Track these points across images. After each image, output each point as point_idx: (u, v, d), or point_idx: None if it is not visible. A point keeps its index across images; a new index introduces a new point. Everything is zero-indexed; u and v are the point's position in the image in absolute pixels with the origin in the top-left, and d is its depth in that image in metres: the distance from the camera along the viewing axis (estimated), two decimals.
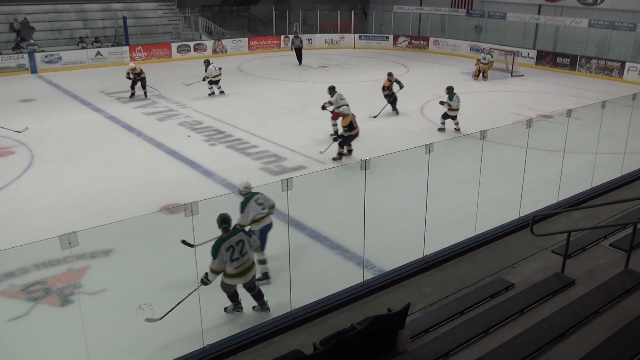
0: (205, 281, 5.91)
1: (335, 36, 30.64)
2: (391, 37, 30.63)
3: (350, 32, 30.91)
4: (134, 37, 25.85)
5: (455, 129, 14.24)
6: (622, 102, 10.80)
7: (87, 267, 7.50)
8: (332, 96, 13.56)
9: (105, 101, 17.65)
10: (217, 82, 18.38)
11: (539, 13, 27.36)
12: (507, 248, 7.37)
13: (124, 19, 25.62)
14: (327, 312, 5.96)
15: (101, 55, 23.93)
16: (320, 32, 30.92)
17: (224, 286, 6.27)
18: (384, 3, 32.78)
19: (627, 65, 22.38)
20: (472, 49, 27.79)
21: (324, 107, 13.61)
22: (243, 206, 7.03)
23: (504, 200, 9.39)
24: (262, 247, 7.04)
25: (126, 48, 24.66)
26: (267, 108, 17.16)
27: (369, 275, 6.77)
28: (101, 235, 7.03)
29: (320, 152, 12.05)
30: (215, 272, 6.01)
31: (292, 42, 25.87)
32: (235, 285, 6.29)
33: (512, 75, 22.89)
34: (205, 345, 5.35)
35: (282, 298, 6.13)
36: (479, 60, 22.34)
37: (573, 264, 6.44)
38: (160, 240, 7.63)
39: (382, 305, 5.83)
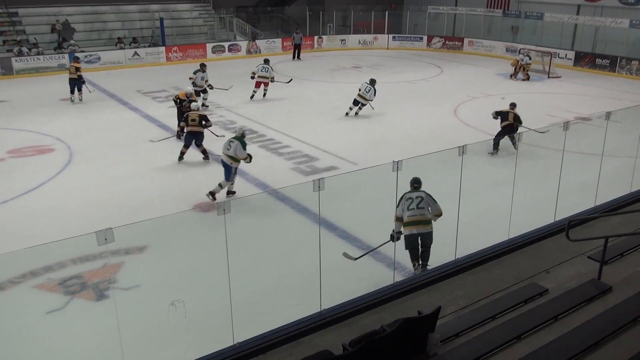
0: (392, 234, 7.17)
1: (368, 37, 30.57)
2: (425, 37, 30.39)
3: (383, 33, 30.80)
4: (170, 37, 26.31)
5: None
6: None
7: (121, 263, 7.66)
8: None
9: (142, 100, 18.01)
10: (201, 92, 16.54)
11: (577, 13, 26.75)
12: (542, 253, 7.23)
13: (161, 19, 26.11)
14: (357, 313, 5.94)
15: (138, 55, 24.42)
16: (354, 33, 30.90)
17: (405, 240, 7.27)
18: (418, 3, 32.55)
19: None
20: (507, 50, 27.36)
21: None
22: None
23: (539, 204, 9.21)
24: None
25: (162, 48, 25.13)
26: (300, 108, 17.23)
27: (399, 277, 6.73)
28: (136, 232, 7.15)
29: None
30: (396, 219, 7.26)
31: (293, 38, 26.78)
32: (415, 239, 7.23)
33: (548, 77, 22.44)
34: (235, 343, 5.40)
35: (312, 298, 6.15)
36: (518, 62, 21.99)
37: (610, 270, 6.27)
38: (193, 238, 7.74)
39: (412, 308, 5.78)
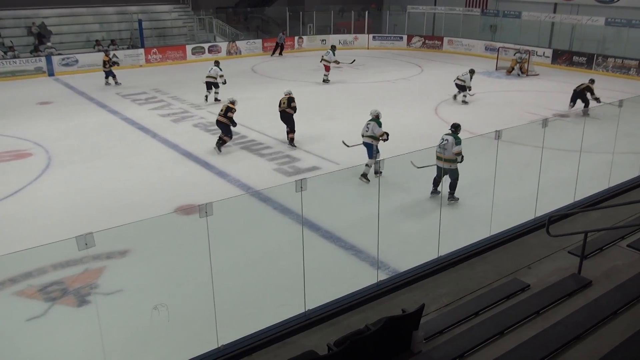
0: None
1: (349, 37, 30.63)
2: (405, 37, 30.54)
3: (364, 33, 30.88)
4: (149, 39, 26.10)
5: None
6: None
7: (103, 267, 7.57)
8: None
9: (121, 103, 17.83)
10: (212, 86, 17.80)
11: (554, 12, 27.11)
12: (523, 249, 7.31)
13: (140, 21, 25.87)
14: (341, 312, 5.95)
15: (117, 57, 24.11)
16: (334, 33, 30.93)
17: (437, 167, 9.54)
18: (397, 3, 32.69)
19: None
20: (486, 49, 27.62)
21: None
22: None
23: (520, 201, 9.31)
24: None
25: (141, 50, 24.89)
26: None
27: (383, 276, 6.75)
28: (117, 236, 7.08)
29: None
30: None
31: (279, 37, 27.90)
32: (439, 170, 9.54)
33: (527, 75, 22.70)
34: (219, 346, 5.37)
35: (296, 299, 6.14)
36: (516, 61, 22.75)
37: (590, 264, 6.36)
38: (176, 240, 7.68)
39: (396, 306, 5.80)
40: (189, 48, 26.10)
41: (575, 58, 24.54)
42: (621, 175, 9.61)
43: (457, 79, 18.09)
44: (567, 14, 26.30)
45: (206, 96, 17.93)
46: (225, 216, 5.90)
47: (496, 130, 7.69)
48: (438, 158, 9.54)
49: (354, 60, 21.15)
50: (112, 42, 25.17)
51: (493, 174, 8.03)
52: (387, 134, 11.02)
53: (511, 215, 8.27)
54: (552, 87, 20.37)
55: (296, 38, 29.45)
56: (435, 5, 31.91)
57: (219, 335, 5.41)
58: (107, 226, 5.09)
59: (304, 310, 5.89)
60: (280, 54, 28.00)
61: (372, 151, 11.01)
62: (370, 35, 30.84)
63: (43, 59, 22.49)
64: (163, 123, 15.44)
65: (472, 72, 18.09)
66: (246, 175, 11.27)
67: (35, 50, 23.30)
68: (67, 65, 22.85)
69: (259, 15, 32.89)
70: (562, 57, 24.92)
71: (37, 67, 22.32)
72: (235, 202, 7.57)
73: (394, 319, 4.65)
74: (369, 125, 11.12)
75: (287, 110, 13.44)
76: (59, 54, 23.16)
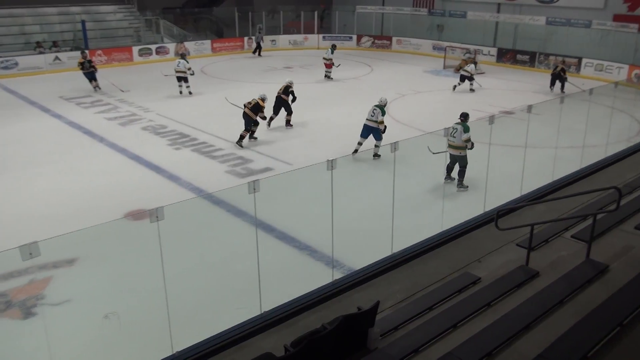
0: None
1: (299, 37, 30.64)
2: (354, 37, 30.80)
3: (313, 33, 30.96)
4: (94, 40, 25.36)
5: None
6: (580, 97, 11.12)
7: (50, 277, 7.31)
8: None
9: (65, 107, 17.24)
10: (182, 80, 18.66)
11: (498, 11, 27.92)
12: (473, 243, 7.49)
13: (83, 22, 25.10)
14: (298, 313, 5.94)
15: (59, 60, 23.36)
16: (284, 33, 30.89)
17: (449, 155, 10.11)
18: (346, 3, 32.94)
19: (584, 61, 23.04)
20: (434, 48, 28.18)
21: None
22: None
23: (469, 196, 9.55)
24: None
25: (85, 52, 24.10)
26: (232, 111, 17.00)
27: (338, 275, 6.78)
28: (64, 244, 6.84)
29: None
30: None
31: (256, 37, 28.10)
32: (451, 157, 10.12)
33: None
34: (174, 352, 5.27)
35: (252, 301, 6.09)
36: (465, 61, 23.14)
37: (537, 256, 6.57)
38: (126, 247, 7.49)
39: (352, 304, 5.84)
40: (135, 49, 25.51)
41: (519, 56, 25.35)
42: (564, 169, 9.98)
43: (463, 70, 19.92)
44: (510, 14, 27.15)
45: (180, 91, 18.78)
46: (177, 220, 5.80)
47: (445, 128, 7.85)
48: (449, 146, 10.11)
49: (339, 64, 21.97)
50: (54, 43, 24.34)
51: (442, 170, 8.21)
52: (385, 126, 12.12)
53: (461, 210, 8.46)
54: (498, 85, 20.96)
55: (245, 39, 29.24)
56: (383, 5, 32.30)
57: (174, 342, 5.31)
58: (54, 235, 4.92)
59: (260, 312, 5.86)
60: (259, 54, 27.84)
61: (379, 134, 12.09)
62: (320, 36, 30.94)
63: None
64: (110, 127, 15.03)
65: (475, 63, 20.83)
66: (198, 178, 11.11)
67: None
68: (6, 68, 21.95)
69: (207, 15, 32.48)
70: (507, 56, 25.69)
71: None
72: (187, 206, 7.45)
73: (350, 317, 4.68)
74: (375, 111, 12.16)
75: (282, 97, 14.54)
76: None
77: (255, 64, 25.50)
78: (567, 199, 8.13)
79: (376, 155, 11.99)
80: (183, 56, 19.04)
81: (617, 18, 23.54)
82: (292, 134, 14.30)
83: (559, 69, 19.50)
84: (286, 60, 26.63)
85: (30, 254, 4.33)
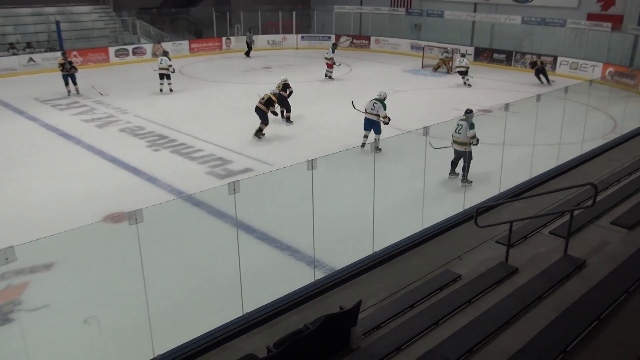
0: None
1: (277, 37, 30.58)
2: (333, 36, 30.83)
3: (292, 33, 30.92)
4: (69, 41, 24.96)
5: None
6: (556, 95, 11.28)
7: (27, 282, 7.18)
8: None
9: (41, 109, 16.96)
10: (164, 77, 18.91)
11: (474, 11, 28.22)
12: (454, 240, 7.55)
13: (57, 23, 24.69)
14: (280, 313, 5.93)
15: (34, 61, 22.98)
16: (262, 33, 30.79)
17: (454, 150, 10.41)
18: (324, 3, 32.96)
19: (559, 59, 23.40)
20: (412, 47, 28.36)
21: None
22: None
23: (449, 194, 9.63)
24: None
25: (66, 53, 23.75)
26: (211, 111, 16.94)
27: (320, 275, 6.78)
28: (41, 248, 6.72)
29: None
30: (452, 135, 10.36)
31: (247, 37, 28.25)
32: (456, 152, 10.38)
33: (451, 72, 23.48)
34: (156, 356, 5.22)
35: (233, 302, 6.07)
36: (442, 60, 23.69)
37: (516, 252, 6.65)
38: (105, 250, 7.39)
39: (334, 304, 5.85)
40: (112, 50, 25.21)
41: (495, 55, 25.65)
42: (541, 166, 10.12)
43: (457, 66, 20.96)
44: (487, 13, 27.45)
45: (161, 88, 18.99)
46: (156, 222, 5.75)
47: (424, 127, 7.89)
48: (454, 142, 10.30)
49: (340, 63, 22.25)
50: (28, 44, 23.93)
51: (423, 169, 8.26)
52: (389, 118, 12.51)
53: (441, 208, 8.52)
54: (476, 84, 21.16)
55: (224, 39, 29.08)
56: (361, 5, 32.40)
57: (155, 345, 5.26)
58: (30, 239, 4.83)
59: (242, 314, 5.83)
60: (248, 54, 27.77)
61: (379, 127, 12.46)
62: (299, 35, 30.93)
63: None
64: (87, 129, 14.83)
65: (463, 54, 21.61)
66: (177, 180, 11.01)
67: None
68: None
69: (184, 16, 32.23)
70: (484, 55, 25.96)
71: None
72: (167, 208, 7.37)
73: (332, 316, 4.68)
74: (375, 105, 12.48)
75: (281, 93, 14.93)
76: None
77: (234, 64, 25.38)
78: (544, 195, 8.26)
79: (377, 149, 12.06)
80: (166, 54, 19.47)
81: (591, 17, 23.94)
82: (271, 134, 14.25)
83: (538, 65, 20.93)
84: (265, 61, 26.56)
85: (6, 259, 4.25)
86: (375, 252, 7.08)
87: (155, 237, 5.99)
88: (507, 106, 9.31)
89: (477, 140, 10.14)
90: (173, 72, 18.96)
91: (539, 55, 22.63)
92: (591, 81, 12.88)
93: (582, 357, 4.51)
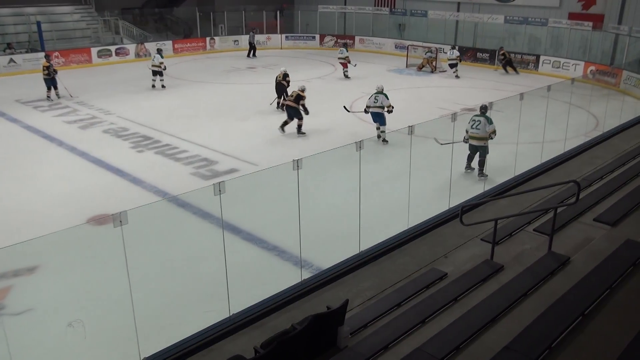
0: (464, 138, 10.62)
1: (261, 37, 30.50)
2: (317, 36, 30.84)
3: (276, 33, 30.87)
4: (50, 42, 24.66)
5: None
6: (539, 94, 11.35)
7: (10, 286, 7.08)
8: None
9: (22, 111, 16.75)
10: (157, 74, 19.46)
11: (458, 10, 28.38)
12: (440, 239, 7.58)
13: (38, 23, 24.38)
14: (267, 314, 5.91)
15: (14, 62, 22.70)
16: (246, 33, 30.68)
17: (469, 147, 10.58)
18: (308, 3, 32.95)
19: (542, 58, 23.63)
20: (396, 47, 28.46)
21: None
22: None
23: (434, 193, 9.67)
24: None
25: (42, 54, 23.44)
26: (196, 112, 16.85)
27: (306, 275, 6.77)
28: (24, 252, 6.64)
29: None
30: (466, 131, 10.53)
31: (250, 36, 28.18)
32: (473, 148, 10.57)
33: (435, 72, 23.61)
34: (142, 359, 5.18)
35: (220, 304, 6.04)
36: (426, 59, 23.88)
37: (501, 250, 6.70)
38: (89, 253, 7.32)
39: (321, 304, 5.85)
40: (94, 51, 24.97)
41: (479, 54, 25.82)
42: (525, 164, 10.20)
43: (449, 58, 22.12)
44: (470, 12, 27.62)
45: (153, 84, 19.54)
46: (141, 224, 5.70)
47: (409, 126, 7.92)
48: (472, 137, 10.50)
49: (356, 64, 22.48)
50: (9, 45, 23.60)
51: (408, 168, 8.28)
52: (393, 107, 13.13)
53: (426, 207, 8.56)
54: (459, 83, 21.30)
55: (208, 39, 28.94)
56: (345, 4, 32.44)
57: (141, 348, 5.22)
58: (12, 242, 4.77)
59: (228, 315, 5.80)
60: (254, 55, 27.61)
61: (383, 118, 13.04)
62: (283, 35, 30.89)
63: None
64: (70, 130, 14.67)
65: (453, 47, 23.08)
66: (162, 181, 10.93)
67: None
68: None
69: (167, 15, 32.01)
70: (467, 54, 26.11)
71: None
72: (152, 209, 7.32)
73: (319, 316, 4.68)
74: (377, 98, 13.09)
75: (283, 82, 15.92)
76: None
77: (218, 64, 25.26)
78: (528, 193, 8.33)
79: (384, 141, 12.81)
80: (159, 51, 19.96)
81: (572, 16, 24.20)
82: (257, 134, 14.21)
83: (503, 57, 23.07)
84: (249, 61, 26.49)
85: None
86: (362, 251, 7.09)
87: (140, 239, 5.94)
88: (490, 105, 9.39)
89: (495, 133, 10.46)
90: (165, 69, 19.43)
91: (501, 48, 23.73)
92: (573, 80, 13.03)
93: (567, 353, 4.56)
